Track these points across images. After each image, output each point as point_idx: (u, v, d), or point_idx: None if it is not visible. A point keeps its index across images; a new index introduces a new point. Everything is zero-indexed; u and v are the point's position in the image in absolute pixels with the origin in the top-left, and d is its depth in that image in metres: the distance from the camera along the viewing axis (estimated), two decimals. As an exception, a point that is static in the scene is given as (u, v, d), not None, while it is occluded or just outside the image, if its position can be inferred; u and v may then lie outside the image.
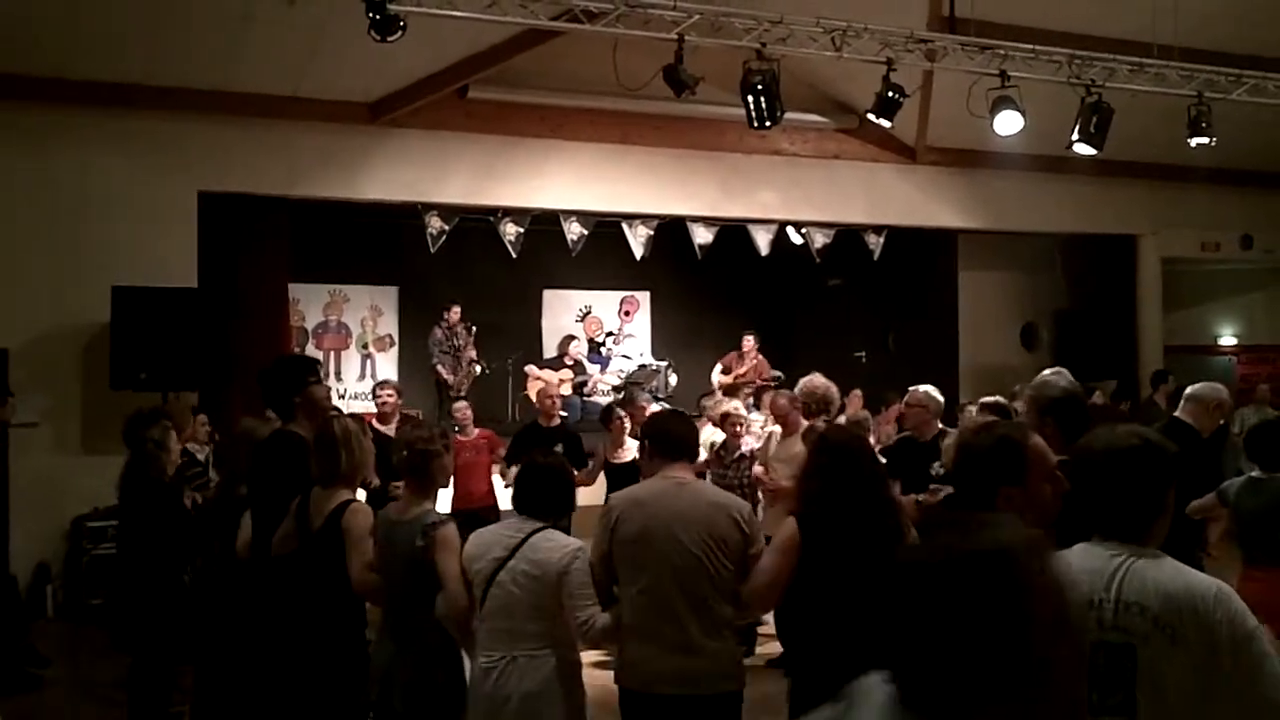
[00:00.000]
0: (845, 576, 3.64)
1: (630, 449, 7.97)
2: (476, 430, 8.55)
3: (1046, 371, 5.43)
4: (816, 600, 3.72)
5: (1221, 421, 6.02)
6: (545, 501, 4.01)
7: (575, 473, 7.69)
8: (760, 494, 7.37)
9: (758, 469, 7.41)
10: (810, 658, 3.76)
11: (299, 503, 4.41)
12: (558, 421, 8.51)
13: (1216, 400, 5.79)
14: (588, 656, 4.26)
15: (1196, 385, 5.89)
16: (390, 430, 7.95)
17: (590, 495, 7.90)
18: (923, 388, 6.46)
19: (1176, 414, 5.84)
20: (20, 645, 7.21)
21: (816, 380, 8.12)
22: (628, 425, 8.15)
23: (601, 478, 8.00)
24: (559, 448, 7.98)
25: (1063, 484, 2.74)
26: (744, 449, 7.66)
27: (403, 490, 4.38)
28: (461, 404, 8.81)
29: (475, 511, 7.35)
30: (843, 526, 3.70)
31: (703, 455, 7.94)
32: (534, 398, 12.52)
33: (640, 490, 3.98)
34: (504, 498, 8.16)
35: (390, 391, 8.31)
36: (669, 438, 4.02)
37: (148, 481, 5.54)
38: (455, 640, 4.04)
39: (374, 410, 8.45)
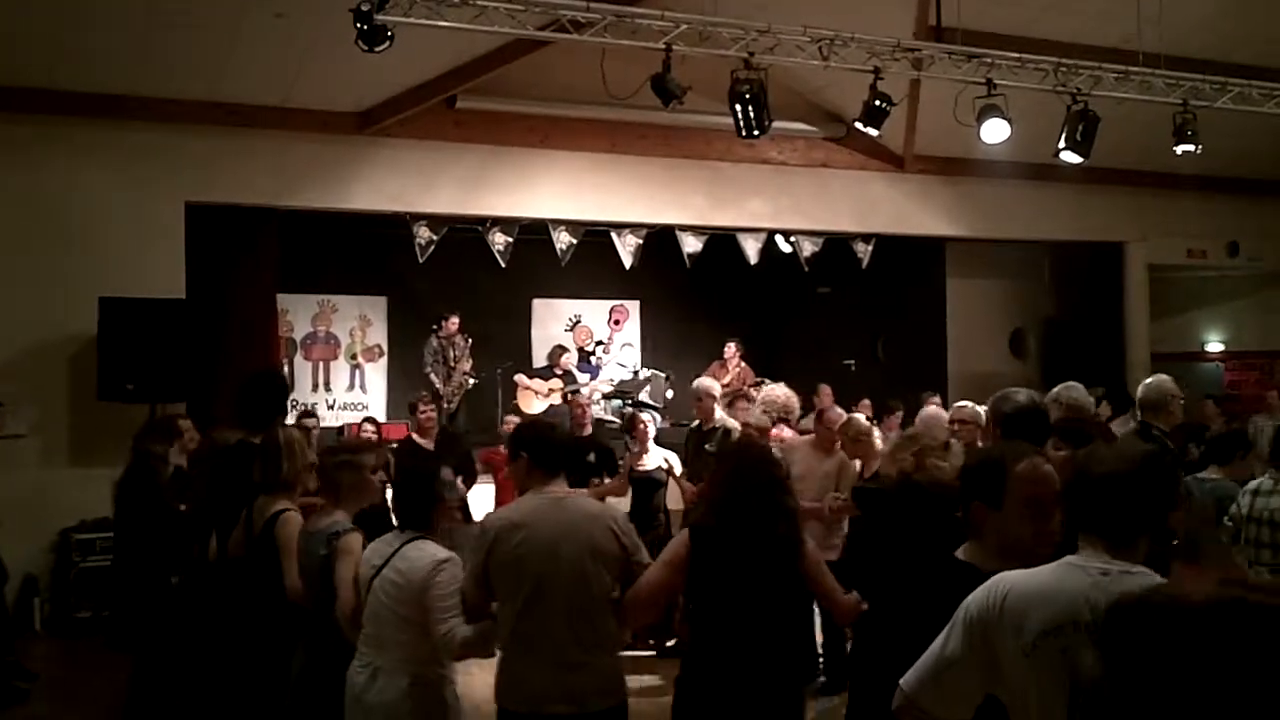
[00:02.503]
0: (737, 584, 3.68)
1: (652, 457, 7.91)
2: None
3: (1059, 386, 5.50)
4: (709, 608, 3.76)
5: (1180, 416, 6.06)
6: (414, 512, 4.00)
7: (603, 482, 7.74)
8: None
9: None
10: (704, 657, 3.79)
11: (246, 510, 4.54)
12: (589, 431, 8.47)
13: (1167, 394, 5.86)
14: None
15: (1143, 390, 5.93)
16: (429, 444, 8.09)
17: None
18: (968, 404, 6.00)
19: (1141, 418, 5.89)
20: (7, 659, 7.17)
21: (778, 390, 8.10)
22: (652, 431, 8.09)
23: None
24: (591, 457, 8.01)
25: (1054, 523, 2.68)
26: None
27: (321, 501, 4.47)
28: (513, 419, 8.79)
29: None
30: (736, 536, 3.71)
31: None
32: (524, 406, 12.56)
33: (516, 510, 3.89)
34: None
35: (431, 406, 8.44)
36: (553, 452, 3.92)
37: (142, 488, 5.68)
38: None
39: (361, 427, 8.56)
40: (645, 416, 8.32)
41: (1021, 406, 4.10)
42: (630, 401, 12.55)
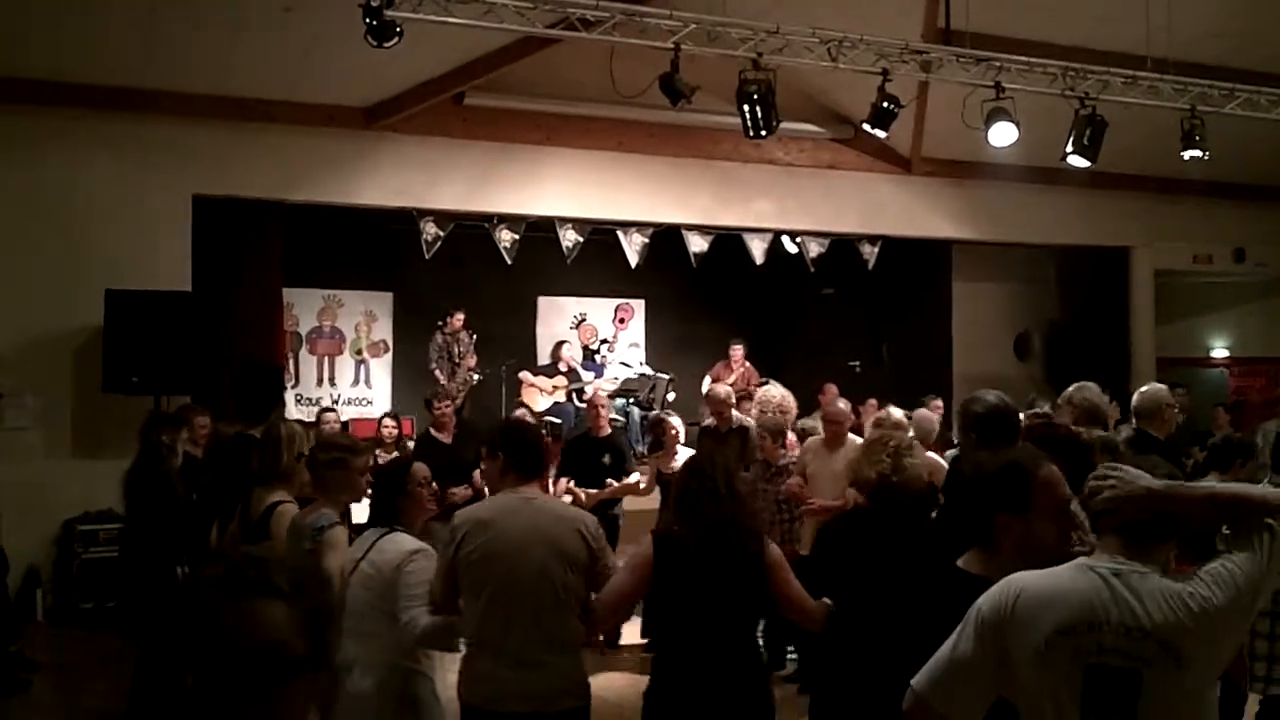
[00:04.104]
0: (699, 587, 3.72)
1: (679, 459, 7.88)
2: None
3: (1072, 387, 5.51)
4: (673, 611, 3.81)
5: (1179, 421, 6.10)
6: (383, 505, 4.04)
7: (617, 483, 7.72)
8: (799, 509, 7.02)
9: (793, 481, 7.00)
10: (670, 661, 3.83)
11: (243, 501, 4.58)
12: (608, 431, 8.54)
13: (1161, 402, 5.89)
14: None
15: (1137, 397, 5.95)
16: (447, 438, 8.17)
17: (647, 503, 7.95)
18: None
19: (1137, 424, 5.91)
20: (9, 649, 7.19)
21: (774, 391, 8.10)
22: (681, 435, 8.12)
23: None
24: (606, 458, 8.03)
25: (1075, 522, 2.68)
26: (781, 460, 7.37)
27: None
28: (528, 416, 8.88)
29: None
30: (695, 541, 3.76)
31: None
32: (528, 403, 12.57)
33: (486, 508, 3.97)
34: None
35: (446, 403, 8.56)
36: (531, 455, 3.96)
37: (150, 478, 5.76)
38: None
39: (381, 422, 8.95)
40: (675, 420, 8.31)
41: (993, 407, 4.07)
42: (633, 401, 12.55)
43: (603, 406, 8.63)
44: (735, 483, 3.93)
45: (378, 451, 9.06)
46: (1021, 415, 6.06)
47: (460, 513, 3.95)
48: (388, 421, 9.33)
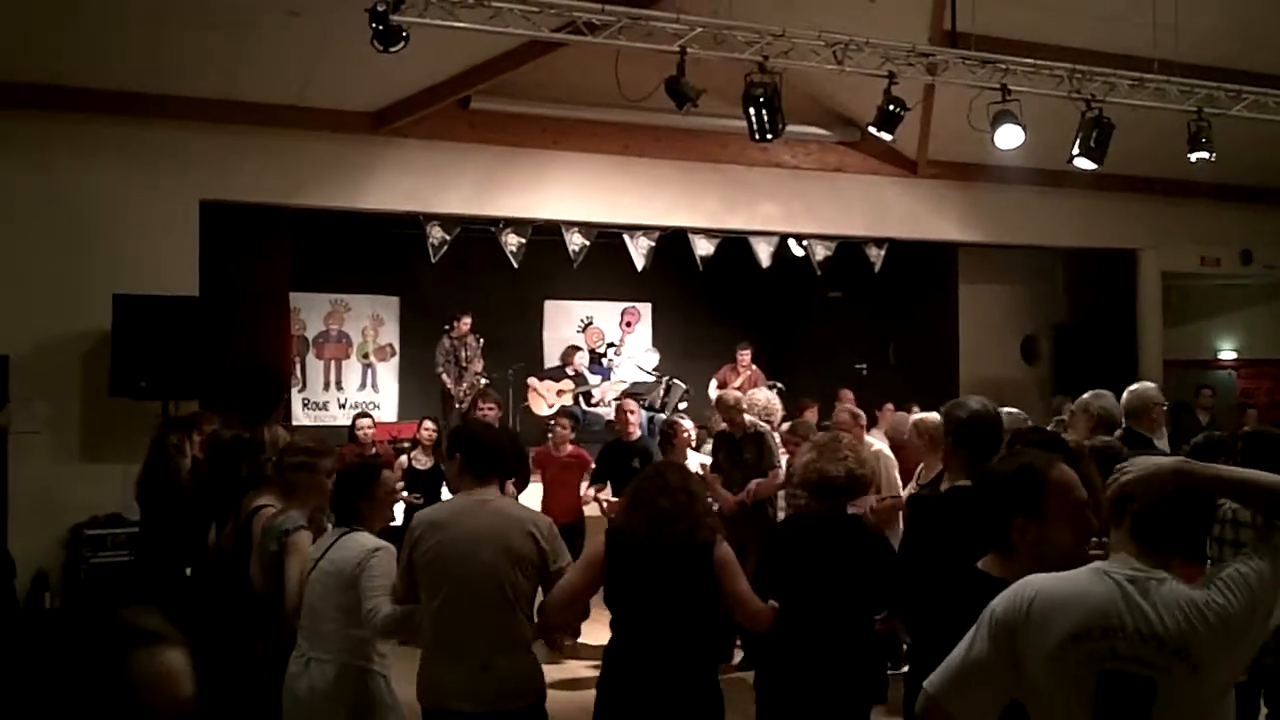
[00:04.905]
0: (644, 579, 3.81)
1: (690, 463, 7.88)
2: (570, 447, 8.59)
3: (1088, 394, 5.49)
4: (625, 606, 3.90)
5: (1204, 422, 6.10)
6: (345, 506, 4.11)
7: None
8: None
9: None
10: (622, 654, 3.90)
11: (237, 504, 4.72)
12: (636, 435, 8.57)
13: (1151, 402, 5.92)
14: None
15: (1126, 397, 5.95)
16: None
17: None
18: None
19: (1126, 424, 5.91)
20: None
21: (759, 394, 8.09)
22: (692, 439, 8.09)
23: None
24: (635, 462, 8.04)
25: (1093, 525, 2.65)
26: None
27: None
28: (565, 421, 8.87)
29: (560, 526, 7.42)
30: (645, 533, 3.82)
31: (781, 473, 7.73)
32: (534, 408, 12.58)
33: (441, 510, 4.08)
34: (589, 512, 8.32)
35: (491, 404, 8.71)
36: (484, 455, 4.03)
37: (159, 479, 5.83)
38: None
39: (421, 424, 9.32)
40: (686, 423, 8.30)
41: (975, 413, 4.07)
42: (642, 405, 12.53)
43: (632, 412, 8.62)
44: (687, 480, 4.00)
45: (416, 453, 9.06)
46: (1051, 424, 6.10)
47: (418, 514, 4.06)
48: (428, 424, 9.32)
